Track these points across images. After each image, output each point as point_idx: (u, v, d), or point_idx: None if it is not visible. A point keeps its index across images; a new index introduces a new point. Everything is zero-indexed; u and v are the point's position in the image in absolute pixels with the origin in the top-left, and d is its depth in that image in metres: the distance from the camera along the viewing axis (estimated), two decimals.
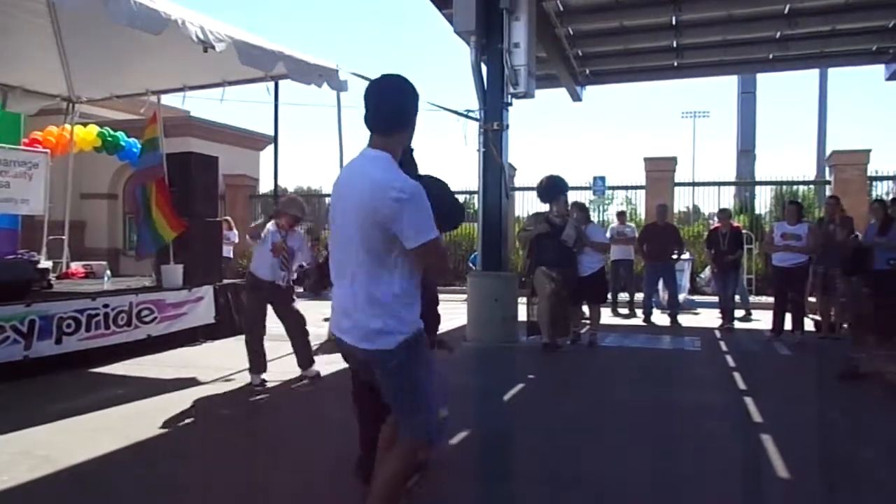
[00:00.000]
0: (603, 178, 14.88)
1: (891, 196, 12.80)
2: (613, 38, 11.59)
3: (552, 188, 7.68)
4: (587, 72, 13.24)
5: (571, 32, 11.32)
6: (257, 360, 5.78)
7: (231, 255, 13.76)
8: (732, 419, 4.86)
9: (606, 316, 10.86)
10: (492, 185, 8.48)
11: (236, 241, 14.02)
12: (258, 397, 5.43)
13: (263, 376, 5.76)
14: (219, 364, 6.54)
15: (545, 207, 7.81)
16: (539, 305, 7.59)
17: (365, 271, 2.32)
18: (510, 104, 8.54)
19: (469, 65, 8.46)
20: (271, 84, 8.58)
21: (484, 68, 8.56)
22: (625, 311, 11.43)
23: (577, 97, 13.54)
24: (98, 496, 3.34)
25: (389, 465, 2.46)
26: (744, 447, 4.18)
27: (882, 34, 11.01)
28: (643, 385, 6.11)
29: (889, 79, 11.93)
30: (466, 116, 8.54)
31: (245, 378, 5.88)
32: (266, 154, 20.54)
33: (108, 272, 8.60)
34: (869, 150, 13.67)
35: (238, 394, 5.48)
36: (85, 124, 10.81)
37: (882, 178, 14.24)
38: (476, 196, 9.03)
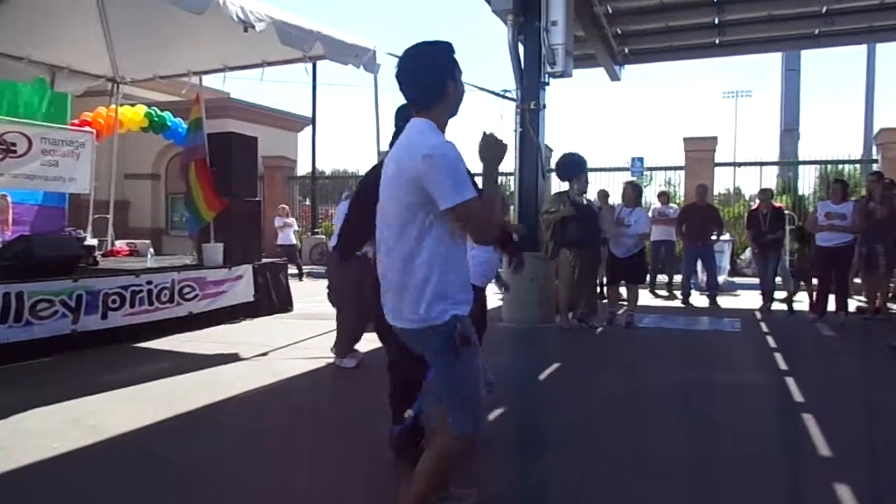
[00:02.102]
0: (641, 159, 14.66)
1: None
2: (653, 15, 11.35)
3: (571, 166, 7.65)
4: (626, 51, 12.98)
5: (610, 11, 11.12)
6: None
7: (294, 242, 13.91)
8: (774, 399, 4.80)
9: (645, 297, 10.78)
10: (528, 166, 8.43)
11: (295, 227, 14.28)
12: (299, 372, 5.53)
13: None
14: (259, 341, 6.68)
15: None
16: (559, 286, 7.65)
17: (401, 243, 2.27)
18: (547, 84, 8.45)
19: (506, 44, 8.40)
20: (309, 65, 8.65)
21: (521, 47, 8.48)
22: (663, 292, 11.31)
23: (615, 77, 13.30)
24: (147, 464, 3.45)
25: (425, 461, 2.40)
26: (785, 427, 4.12)
27: None
28: (681, 365, 6.06)
29: None
30: (503, 97, 8.49)
31: (285, 353, 6.00)
32: (304, 135, 20.79)
33: (152, 250, 8.82)
34: None
35: (279, 369, 5.59)
36: (133, 104, 11.05)
37: None
38: (513, 177, 8.99)
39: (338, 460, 3.50)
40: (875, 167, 13.47)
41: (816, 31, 11.84)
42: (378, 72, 7.81)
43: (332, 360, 5.72)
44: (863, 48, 22.93)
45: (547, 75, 8.31)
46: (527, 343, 7.24)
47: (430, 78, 2.32)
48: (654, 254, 11.33)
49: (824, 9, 10.86)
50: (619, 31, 12.04)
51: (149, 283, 6.93)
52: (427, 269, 2.22)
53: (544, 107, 8.43)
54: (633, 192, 8.31)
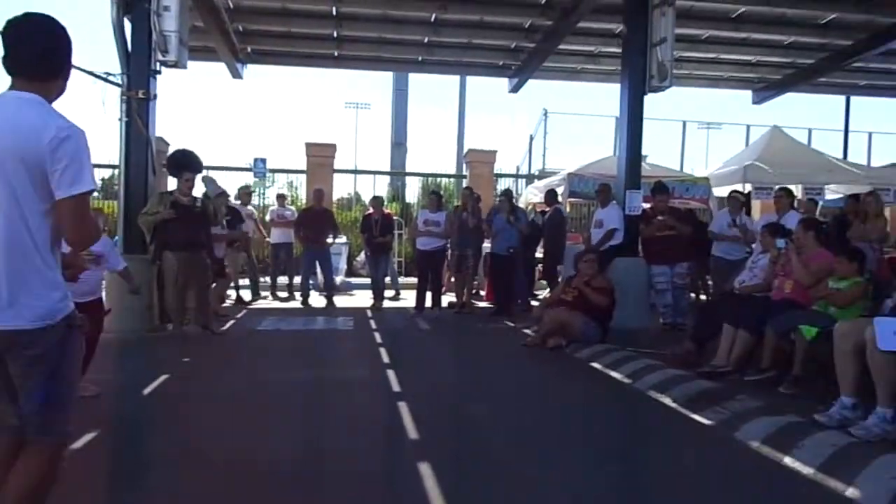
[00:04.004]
0: (264, 161, 14.65)
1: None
2: (275, 18, 11.42)
3: (178, 164, 7.36)
4: (249, 49, 12.83)
5: (231, 6, 10.85)
6: None
7: None
8: (376, 391, 5.20)
9: (267, 300, 10.81)
10: (136, 160, 7.70)
11: None
12: None
13: None
14: None
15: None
16: (167, 292, 7.21)
17: (11, 231, 2.01)
18: (159, 72, 7.84)
19: (110, 21, 7.55)
20: None
21: (129, 29, 7.72)
22: (284, 293, 11.45)
23: (237, 74, 13.04)
24: None
25: (23, 479, 2.11)
26: (384, 416, 4.49)
27: (508, 52, 12.79)
28: (296, 365, 6.21)
29: (511, 91, 13.94)
30: (105, 80, 7.59)
31: None
32: None
33: None
34: (496, 151, 15.97)
35: None
36: None
37: (505, 176, 16.77)
38: (117, 171, 8.12)
39: None
40: (465, 182, 15.74)
41: (420, 58, 13.32)
42: None
43: None
44: (457, 77, 26.57)
45: (158, 63, 7.70)
46: (132, 354, 6.60)
47: (59, 46, 2.13)
48: (274, 256, 11.44)
49: (426, 39, 12.27)
50: (241, 29, 11.83)
51: None
52: (46, 260, 2.07)
53: (155, 97, 7.80)
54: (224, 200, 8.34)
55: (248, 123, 71.20)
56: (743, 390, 4.75)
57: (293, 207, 12.50)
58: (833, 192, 11.88)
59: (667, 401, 4.80)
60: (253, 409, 4.67)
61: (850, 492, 3.12)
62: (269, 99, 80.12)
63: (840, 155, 15.49)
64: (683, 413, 4.53)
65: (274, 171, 15.59)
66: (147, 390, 5.11)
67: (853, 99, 16.85)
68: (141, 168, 7.71)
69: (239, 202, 11.41)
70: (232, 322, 8.48)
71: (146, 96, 7.61)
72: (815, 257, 5.32)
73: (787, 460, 3.54)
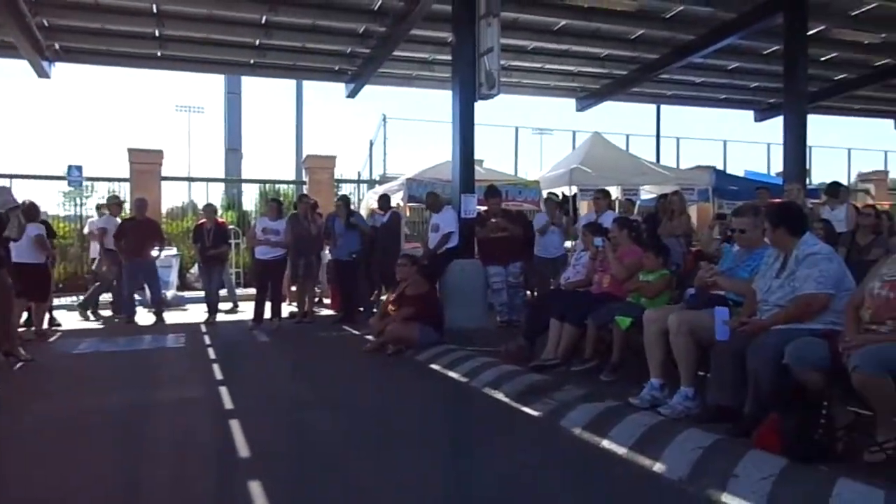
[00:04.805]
0: (80, 168, 13.44)
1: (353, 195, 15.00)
2: (86, 13, 10.51)
3: None
4: (57, 46, 11.71)
5: None
6: None
7: None
8: (205, 411, 4.91)
9: (85, 320, 9.91)
10: None
11: None
12: None
13: None
14: None
15: None
16: None
17: None
18: None
19: None
20: None
21: None
22: (107, 312, 10.56)
23: (43, 73, 11.85)
24: None
25: None
26: (212, 437, 4.26)
27: (343, 57, 12.70)
28: (117, 389, 5.71)
29: (349, 96, 13.86)
30: None
31: None
32: None
33: None
34: (335, 157, 15.83)
35: None
36: None
37: (345, 181, 16.67)
38: None
39: None
40: (305, 188, 15.43)
41: (252, 61, 12.86)
42: None
43: None
44: (294, 82, 25.96)
45: None
46: None
47: None
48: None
49: (257, 42, 11.88)
50: (46, 24, 10.78)
51: None
52: None
53: None
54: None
55: (63, 128, 64.83)
56: (569, 381, 5.05)
57: (119, 219, 11.56)
58: (648, 193, 12.99)
59: (500, 396, 4.98)
60: (67, 440, 4.23)
61: (657, 466, 3.40)
62: (88, 101, 73.52)
63: (653, 158, 17.00)
64: (515, 406, 4.72)
65: (92, 179, 14.34)
66: None
67: (663, 107, 18.53)
68: None
69: (108, 213, 10.52)
70: (44, 346, 7.68)
71: None
72: (628, 253, 5.77)
73: (605, 443, 3.81)
